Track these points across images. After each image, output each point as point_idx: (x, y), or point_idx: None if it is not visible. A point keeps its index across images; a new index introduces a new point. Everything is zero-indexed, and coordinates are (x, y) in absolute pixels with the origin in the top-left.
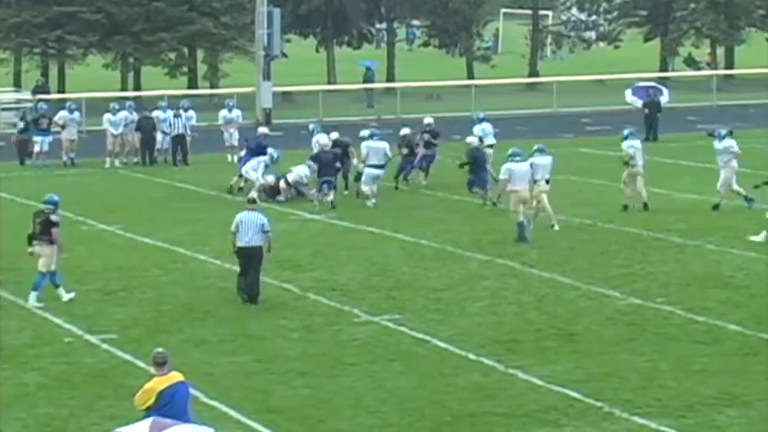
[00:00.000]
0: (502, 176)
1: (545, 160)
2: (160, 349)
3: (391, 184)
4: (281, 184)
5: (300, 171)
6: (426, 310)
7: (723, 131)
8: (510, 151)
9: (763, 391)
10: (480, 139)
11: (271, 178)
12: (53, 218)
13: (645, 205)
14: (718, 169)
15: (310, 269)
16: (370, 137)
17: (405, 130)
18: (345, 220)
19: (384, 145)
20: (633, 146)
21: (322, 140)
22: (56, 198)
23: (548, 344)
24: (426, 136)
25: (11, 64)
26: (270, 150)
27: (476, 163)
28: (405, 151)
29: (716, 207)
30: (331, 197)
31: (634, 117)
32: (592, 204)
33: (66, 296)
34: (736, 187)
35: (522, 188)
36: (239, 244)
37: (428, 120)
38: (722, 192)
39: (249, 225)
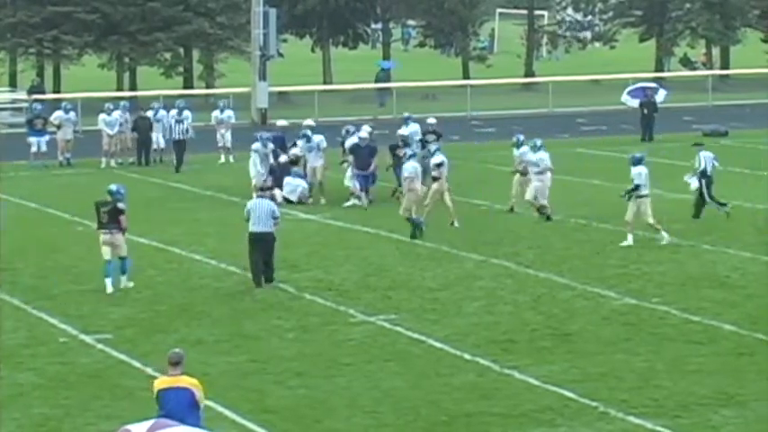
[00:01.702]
0: (408, 175)
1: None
2: (177, 349)
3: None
4: (278, 196)
5: (296, 185)
6: (422, 310)
7: (539, 142)
8: (408, 152)
9: (758, 391)
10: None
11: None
12: (120, 206)
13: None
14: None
15: (306, 269)
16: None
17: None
18: (341, 220)
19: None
20: (526, 152)
21: (361, 134)
22: (113, 188)
23: (543, 344)
24: (431, 137)
25: (6, 64)
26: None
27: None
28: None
29: (548, 218)
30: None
31: (629, 117)
32: (587, 204)
33: (109, 287)
34: (543, 201)
35: (418, 187)
36: (251, 230)
37: (431, 120)
38: (535, 203)
39: (260, 212)
